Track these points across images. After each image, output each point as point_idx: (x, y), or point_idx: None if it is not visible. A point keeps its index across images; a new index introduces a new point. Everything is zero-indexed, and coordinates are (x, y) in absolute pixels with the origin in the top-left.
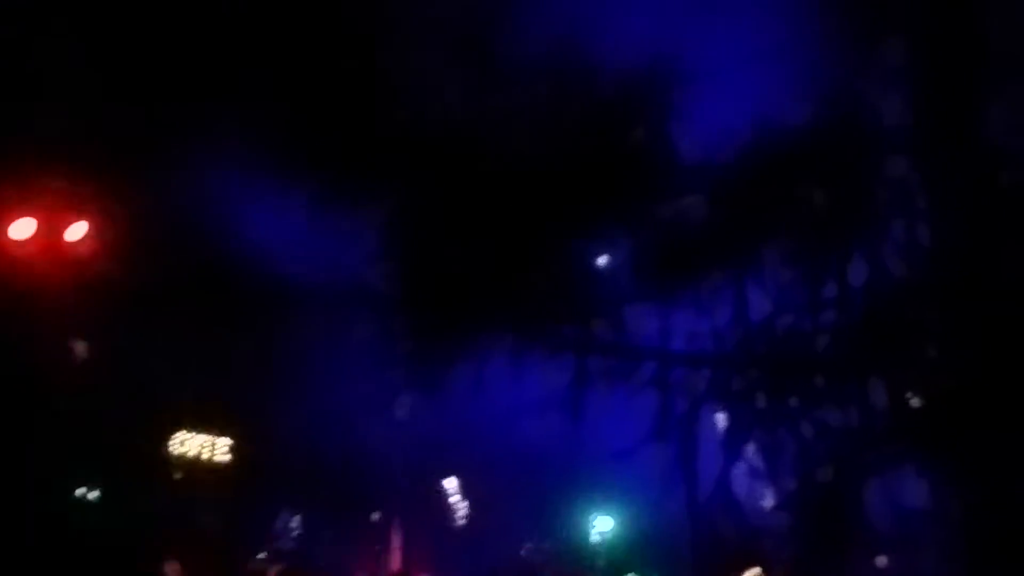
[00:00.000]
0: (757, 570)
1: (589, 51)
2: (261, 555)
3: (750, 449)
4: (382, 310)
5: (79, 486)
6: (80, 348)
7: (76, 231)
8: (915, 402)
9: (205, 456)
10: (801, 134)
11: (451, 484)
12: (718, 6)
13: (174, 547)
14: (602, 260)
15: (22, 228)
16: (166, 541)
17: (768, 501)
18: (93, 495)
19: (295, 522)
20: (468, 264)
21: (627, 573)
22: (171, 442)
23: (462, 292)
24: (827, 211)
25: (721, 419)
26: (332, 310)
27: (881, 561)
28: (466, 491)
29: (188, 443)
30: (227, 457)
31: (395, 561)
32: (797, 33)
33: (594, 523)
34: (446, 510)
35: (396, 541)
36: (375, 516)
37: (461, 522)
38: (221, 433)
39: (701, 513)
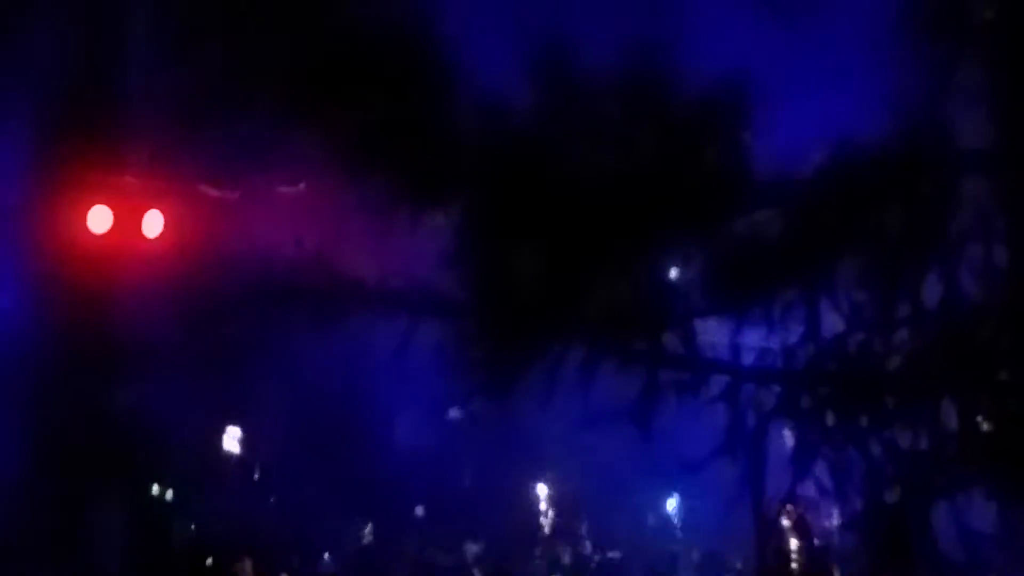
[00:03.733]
0: None
1: (664, 66)
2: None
3: (818, 467)
4: (451, 316)
5: (151, 485)
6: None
7: (153, 225)
8: (986, 425)
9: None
10: (878, 153)
11: (542, 491)
12: (796, 24)
13: (245, 546)
14: (673, 273)
15: (99, 219)
16: (237, 540)
17: (835, 520)
18: (168, 495)
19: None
20: (539, 273)
21: None
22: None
23: (533, 300)
24: (902, 231)
25: (789, 436)
26: (398, 314)
27: None
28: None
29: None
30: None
31: None
32: (875, 52)
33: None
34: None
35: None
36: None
37: (546, 530)
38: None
39: (768, 529)
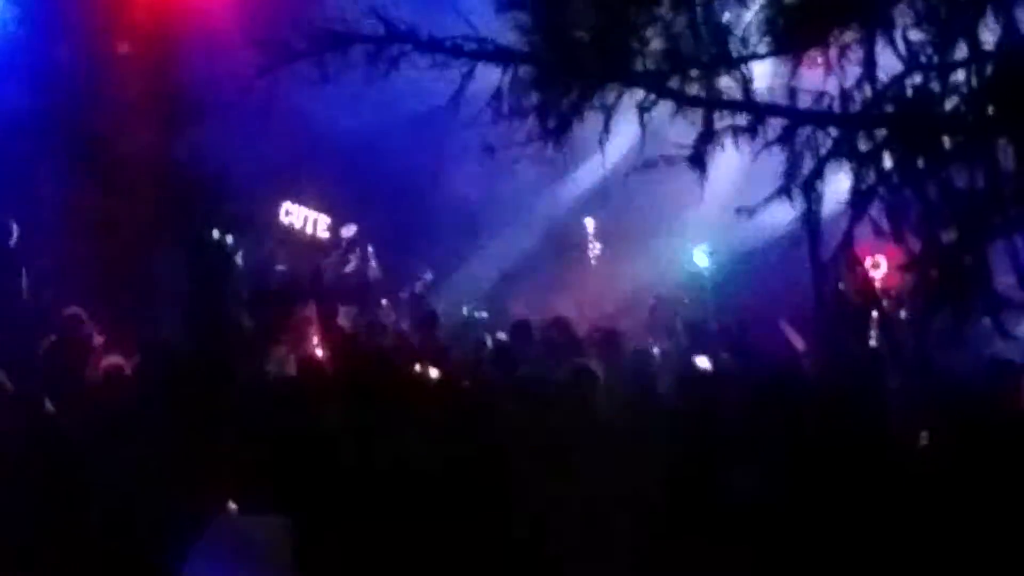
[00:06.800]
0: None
1: None
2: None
3: (875, 209)
4: (506, 61)
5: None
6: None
7: None
8: None
9: (309, 230)
10: None
11: (590, 224)
12: None
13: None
14: (730, 15)
15: None
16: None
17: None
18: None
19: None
20: (596, 15)
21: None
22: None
23: (589, 43)
24: None
25: (846, 178)
26: (455, 61)
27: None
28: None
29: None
30: (327, 235)
31: None
32: None
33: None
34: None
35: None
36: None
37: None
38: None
39: (825, 271)
